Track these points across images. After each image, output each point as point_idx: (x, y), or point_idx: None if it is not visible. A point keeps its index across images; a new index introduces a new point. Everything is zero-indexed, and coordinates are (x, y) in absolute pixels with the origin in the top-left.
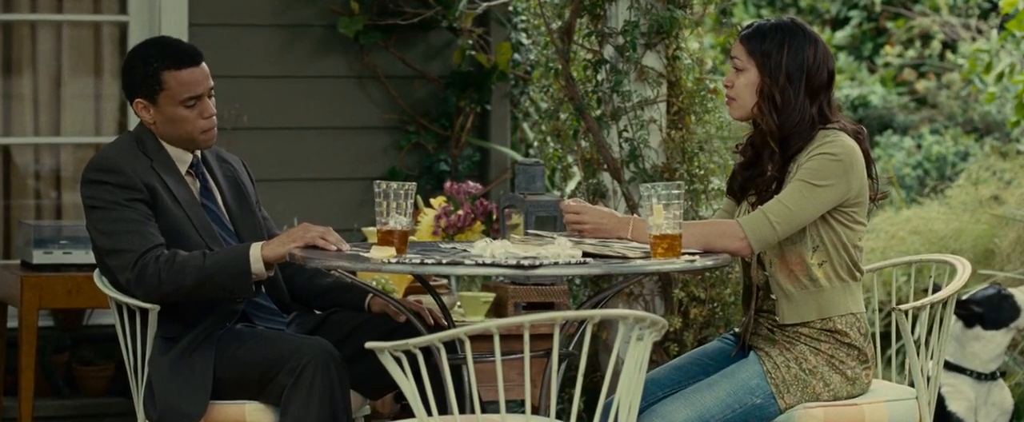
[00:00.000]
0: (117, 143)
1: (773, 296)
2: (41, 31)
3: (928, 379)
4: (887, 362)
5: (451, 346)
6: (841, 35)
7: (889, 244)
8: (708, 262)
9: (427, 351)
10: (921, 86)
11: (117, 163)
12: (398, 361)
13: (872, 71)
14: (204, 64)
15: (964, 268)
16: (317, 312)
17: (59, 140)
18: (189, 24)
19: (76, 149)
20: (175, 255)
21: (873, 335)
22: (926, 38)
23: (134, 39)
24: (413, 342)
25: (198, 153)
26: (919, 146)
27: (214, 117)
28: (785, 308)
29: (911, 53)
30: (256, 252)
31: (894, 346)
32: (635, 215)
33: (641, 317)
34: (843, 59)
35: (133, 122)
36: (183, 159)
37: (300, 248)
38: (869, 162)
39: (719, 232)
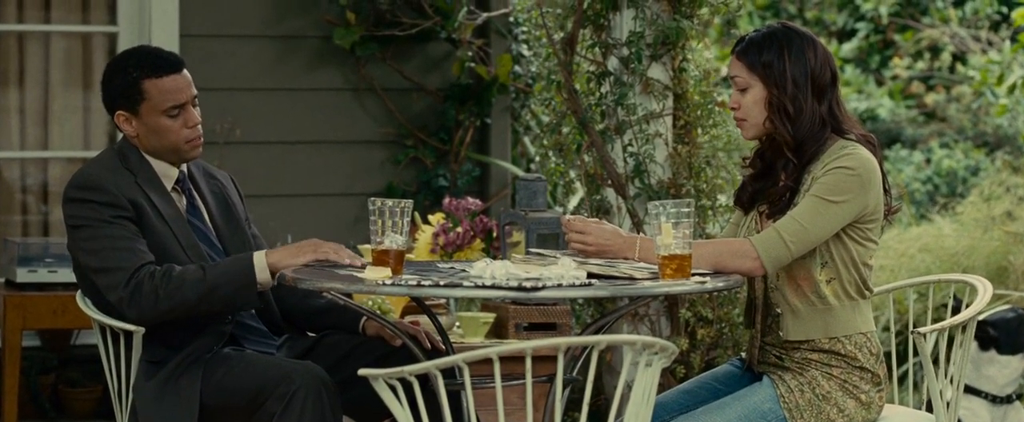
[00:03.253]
0: (98, 159)
1: (778, 310)
2: (29, 42)
3: (947, 404)
4: (899, 382)
5: (449, 371)
6: (848, 47)
7: (899, 262)
8: (719, 284)
9: (424, 377)
10: (930, 99)
11: (99, 180)
12: (393, 389)
13: (880, 84)
14: (186, 71)
15: (985, 289)
16: (310, 335)
17: (47, 154)
18: (180, 35)
19: (65, 164)
20: (171, 269)
21: (887, 355)
22: (935, 50)
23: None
24: (409, 369)
25: (184, 168)
26: (928, 160)
27: (199, 126)
28: (790, 324)
29: (920, 65)
30: (261, 261)
31: (910, 363)
32: (641, 234)
33: (650, 343)
34: (850, 72)
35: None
36: (169, 174)
37: (311, 262)
38: (883, 174)
39: (730, 252)
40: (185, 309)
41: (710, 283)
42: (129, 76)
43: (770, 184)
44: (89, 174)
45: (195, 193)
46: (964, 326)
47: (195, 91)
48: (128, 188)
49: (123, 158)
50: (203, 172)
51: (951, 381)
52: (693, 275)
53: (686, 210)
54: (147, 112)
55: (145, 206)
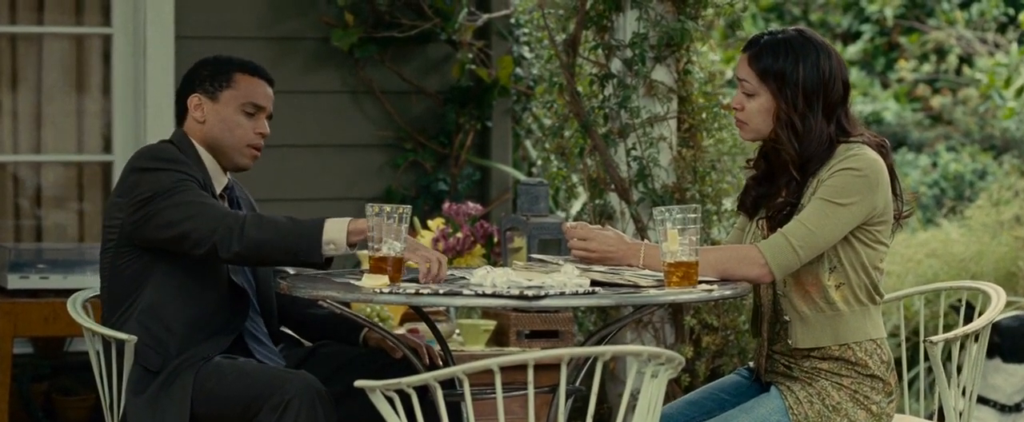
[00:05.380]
0: (161, 143)
1: (786, 318)
2: (21, 44)
3: (959, 414)
4: (907, 388)
5: (449, 382)
6: (853, 50)
7: (906, 268)
8: (726, 291)
9: (423, 389)
10: (936, 102)
11: (173, 154)
12: (390, 401)
13: (885, 86)
14: (272, 91)
15: (998, 296)
16: (307, 343)
17: (41, 158)
18: (175, 36)
19: (58, 168)
20: (261, 212)
21: (895, 362)
22: (941, 52)
23: (119, 52)
24: (407, 381)
25: (230, 177)
26: (935, 164)
27: (263, 141)
28: (799, 332)
29: (926, 68)
30: (337, 226)
31: (921, 368)
32: (646, 240)
33: (656, 353)
34: (855, 74)
35: (121, 142)
36: (219, 179)
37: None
38: (893, 178)
39: (737, 258)
40: (255, 249)
41: (717, 291)
42: (224, 65)
43: (773, 190)
44: (161, 148)
45: (238, 203)
46: (977, 335)
47: (272, 111)
48: (197, 170)
49: (181, 152)
50: (235, 183)
51: (963, 393)
52: (699, 282)
53: (692, 216)
54: (226, 100)
55: (208, 193)
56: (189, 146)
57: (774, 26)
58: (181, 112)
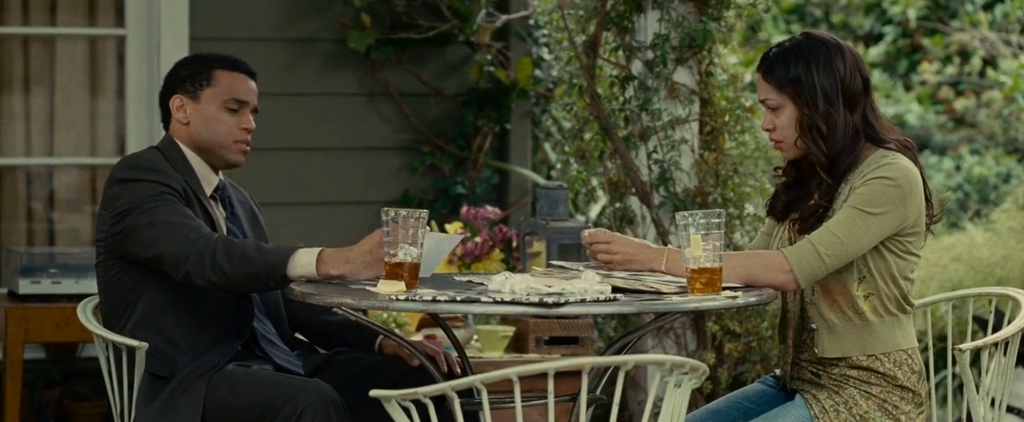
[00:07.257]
0: (144, 151)
1: (813, 326)
2: (34, 46)
3: None
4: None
5: (467, 391)
6: (875, 52)
7: (931, 272)
8: (751, 298)
9: (440, 397)
10: (959, 104)
11: (153, 163)
12: (406, 411)
13: (908, 89)
14: (255, 84)
15: None
16: (322, 351)
17: (53, 161)
18: (190, 38)
19: (71, 171)
20: (231, 240)
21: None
22: (964, 54)
23: (133, 54)
24: (423, 391)
25: (222, 176)
26: (958, 167)
27: (250, 136)
28: (826, 340)
29: (949, 70)
30: (304, 259)
31: (949, 373)
32: (669, 245)
33: (680, 363)
34: (878, 77)
35: (135, 144)
36: (209, 180)
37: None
38: (924, 182)
39: (762, 264)
40: (226, 280)
41: (742, 298)
42: (203, 63)
43: (804, 194)
44: (141, 157)
45: (231, 203)
46: (1007, 342)
47: (257, 104)
48: (178, 179)
49: (167, 158)
50: (229, 183)
51: (993, 404)
52: (723, 289)
53: (716, 221)
54: (208, 98)
55: (193, 200)
56: (176, 150)
57: (796, 28)
58: (166, 116)
